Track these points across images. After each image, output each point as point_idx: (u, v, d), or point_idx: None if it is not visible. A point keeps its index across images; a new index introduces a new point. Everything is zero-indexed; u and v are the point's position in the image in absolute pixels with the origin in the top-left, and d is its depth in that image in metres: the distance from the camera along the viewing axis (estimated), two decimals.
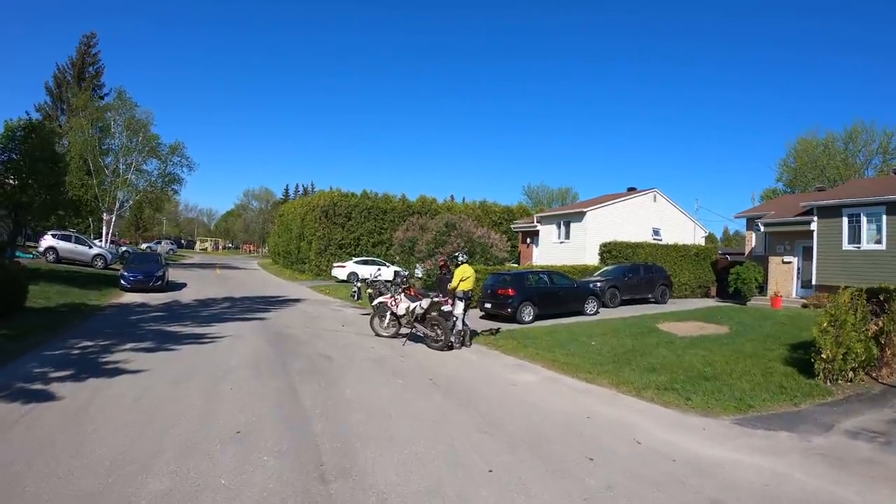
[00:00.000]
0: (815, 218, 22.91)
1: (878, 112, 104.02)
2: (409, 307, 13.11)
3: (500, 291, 17.57)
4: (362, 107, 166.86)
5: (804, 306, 21.89)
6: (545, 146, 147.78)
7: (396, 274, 17.28)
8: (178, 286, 25.93)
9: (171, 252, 67.57)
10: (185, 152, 42.58)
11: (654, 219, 34.54)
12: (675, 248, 29.42)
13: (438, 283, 15.08)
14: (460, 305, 12.85)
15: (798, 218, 23.75)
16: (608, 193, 37.57)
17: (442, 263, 15.04)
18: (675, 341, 14.03)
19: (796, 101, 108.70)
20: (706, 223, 37.91)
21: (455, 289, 12.90)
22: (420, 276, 25.78)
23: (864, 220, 21.42)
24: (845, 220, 21.98)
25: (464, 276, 12.95)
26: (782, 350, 12.80)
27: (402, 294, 13.49)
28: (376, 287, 17.28)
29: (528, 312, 17.65)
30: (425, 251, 24.76)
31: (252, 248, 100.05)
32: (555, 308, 18.77)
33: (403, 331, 13.54)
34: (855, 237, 21.74)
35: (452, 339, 12.53)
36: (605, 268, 25.22)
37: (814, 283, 22.91)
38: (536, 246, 36.51)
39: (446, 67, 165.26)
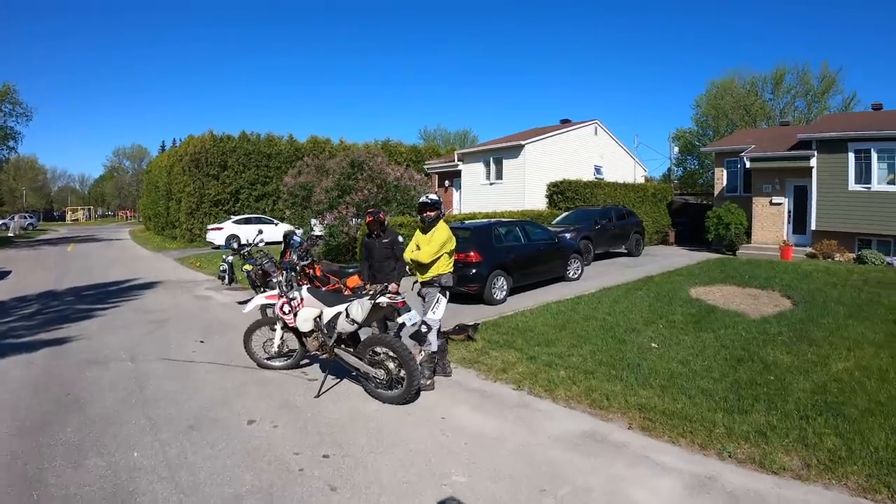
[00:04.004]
0: (815, 153, 18.87)
1: (799, 53, 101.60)
2: (321, 317, 6.40)
3: (457, 256, 11.19)
4: (238, 49, 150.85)
5: (811, 256, 18.17)
6: (441, 88, 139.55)
7: (286, 237, 10.05)
8: None
9: (31, 227, 57.50)
10: (18, 97, 32.56)
11: (596, 155, 29.24)
12: (634, 187, 24.63)
13: (367, 255, 8.01)
14: (442, 304, 6.52)
15: (793, 152, 19.64)
16: (539, 126, 31.86)
17: (370, 221, 8.00)
18: (770, 331, 8.76)
19: (717, 41, 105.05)
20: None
21: (417, 265, 6.54)
22: (320, 234, 19.11)
23: (874, 156, 17.82)
24: (852, 155, 18.27)
25: (442, 249, 6.43)
26: None
27: (304, 288, 6.67)
28: (256, 263, 10.43)
29: (500, 286, 11.61)
30: (325, 201, 18.01)
31: (129, 215, 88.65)
32: (533, 275, 12.90)
33: (328, 351, 6.76)
34: (863, 176, 18.12)
35: (427, 376, 6.33)
36: (565, 214, 19.66)
37: (812, 228, 19.20)
38: (458, 189, 30.24)
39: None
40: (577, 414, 5.63)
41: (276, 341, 6.90)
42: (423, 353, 6.40)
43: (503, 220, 14.38)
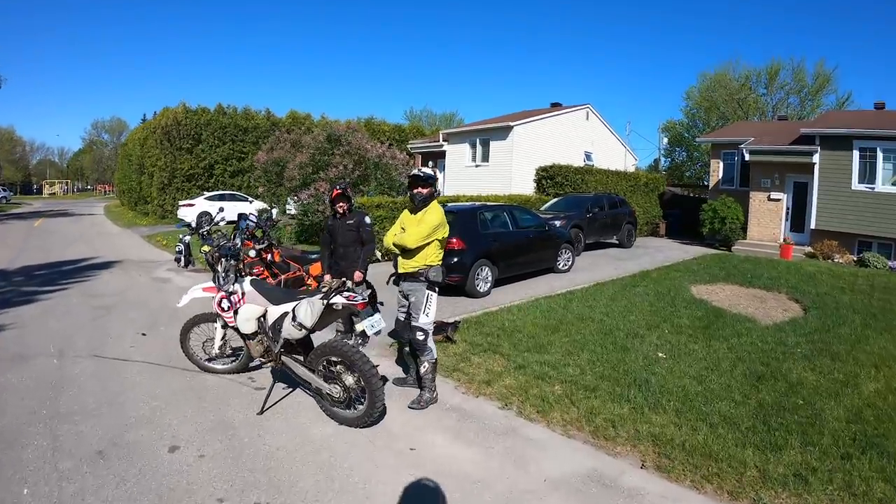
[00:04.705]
0: (819, 148, 18.00)
1: (796, 50, 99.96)
2: (264, 318, 5.24)
3: None
4: (225, 18, 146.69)
5: (811, 255, 17.37)
6: (428, 69, 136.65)
7: (240, 218, 8.89)
8: None
9: (4, 201, 55.49)
10: None
11: (587, 140, 28.23)
12: (626, 176, 23.71)
13: (328, 239, 7.00)
14: (434, 303, 5.37)
15: (795, 147, 18.69)
16: (529, 109, 30.73)
17: (336, 194, 6.76)
18: (787, 342, 7.87)
19: (710, 33, 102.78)
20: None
21: (402, 250, 5.31)
22: (293, 212, 17.99)
23: (880, 155, 17.03)
24: (856, 154, 17.43)
25: (433, 233, 5.26)
26: None
27: (246, 280, 5.47)
28: (214, 244, 9.23)
29: (485, 277, 10.61)
30: (298, 178, 16.86)
31: (108, 189, 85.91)
32: (521, 266, 11.90)
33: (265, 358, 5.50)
34: (867, 175, 17.35)
35: (432, 388, 5.44)
36: (554, 200, 18.65)
37: (812, 226, 18.40)
38: (442, 171, 29.01)
39: None
40: (578, 445, 4.61)
41: (217, 342, 5.79)
42: (425, 364, 5.35)
43: (489, 203, 13.29)
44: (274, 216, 22.84)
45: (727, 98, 44.55)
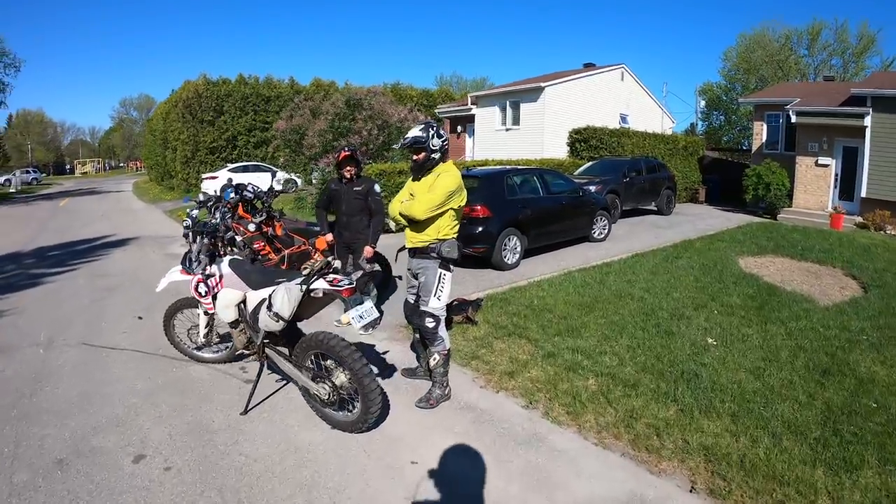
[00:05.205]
0: (870, 110, 16.41)
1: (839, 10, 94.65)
2: (243, 305, 4.46)
3: (464, 211, 9.31)
4: None
5: (861, 226, 16.04)
6: (458, 33, 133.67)
7: (238, 190, 7.96)
8: None
9: (35, 182, 56.57)
10: (5, 46, 31.32)
11: (622, 102, 26.88)
12: (664, 138, 22.35)
13: (327, 203, 6.59)
14: (448, 284, 4.63)
15: (845, 108, 17.08)
16: (561, 70, 29.42)
17: (344, 156, 6.21)
18: (851, 327, 6.76)
19: None
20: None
21: (409, 221, 4.54)
22: (315, 182, 17.37)
23: None
24: None
25: (448, 200, 4.41)
26: None
27: (225, 261, 4.65)
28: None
29: (513, 247, 9.81)
30: (318, 146, 16.17)
31: (138, 166, 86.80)
32: (553, 235, 11.07)
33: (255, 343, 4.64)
34: None
35: (444, 384, 4.68)
36: (589, 164, 17.63)
37: (862, 194, 16.91)
38: (471, 135, 28.06)
39: None
40: (614, 459, 3.83)
41: (202, 329, 5.12)
42: (435, 356, 4.59)
43: (518, 167, 12.36)
44: (299, 185, 22.23)
45: (767, 59, 42.51)
